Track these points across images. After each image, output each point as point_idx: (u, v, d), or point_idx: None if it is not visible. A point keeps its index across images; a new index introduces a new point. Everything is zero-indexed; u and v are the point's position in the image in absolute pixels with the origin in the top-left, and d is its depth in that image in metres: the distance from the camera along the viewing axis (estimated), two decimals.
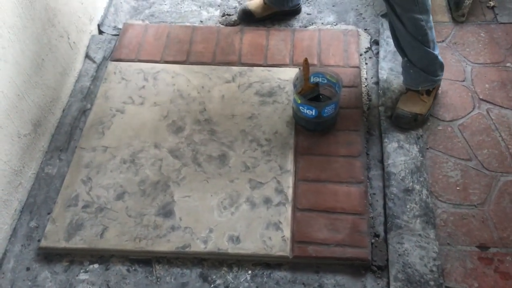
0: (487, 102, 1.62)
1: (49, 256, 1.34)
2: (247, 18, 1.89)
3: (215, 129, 1.57)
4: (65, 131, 1.61)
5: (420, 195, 1.40)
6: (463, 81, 1.68)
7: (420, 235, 1.33)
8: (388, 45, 1.76)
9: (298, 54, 1.77)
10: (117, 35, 1.89)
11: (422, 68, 1.49)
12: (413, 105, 1.53)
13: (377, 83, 1.70)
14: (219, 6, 2.00)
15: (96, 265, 1.33)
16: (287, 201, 1.39)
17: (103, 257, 1.34)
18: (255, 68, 1.74)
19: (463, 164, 1.48)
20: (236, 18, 1.93)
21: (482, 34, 1.82)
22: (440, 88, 1.63)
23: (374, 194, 1.44)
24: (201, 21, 1.95)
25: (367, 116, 1.62)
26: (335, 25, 1.91)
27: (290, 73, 1.70)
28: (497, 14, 1.88)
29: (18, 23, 1.38)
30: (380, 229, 1.37)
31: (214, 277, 1.30)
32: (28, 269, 1.32)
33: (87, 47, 1.84)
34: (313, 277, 1.29)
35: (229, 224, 1.35)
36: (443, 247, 1.33)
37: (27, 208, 1.44)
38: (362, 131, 1.55)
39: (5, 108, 1.33)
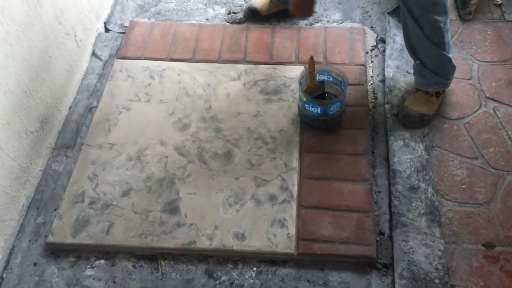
0: (494, 100, 1.62)
1: (56, 251, 1.36)
2: (253, 16, 1.89)
3: (221, 126, 1.57)
4: (72, 128, 1.62)
5: (425, 193, 1.40)
6: (470, 79, 1.67)
7: (425, 233, 1.33)
8: (394, 43, 1.76)
9: (304, 52, 1.77)
10: (123, 33, 1.90)
11: (435, 71, 1.48)
12: (421, 105, 1.53)
13: (383, 81, 1.70)
14: (225, 4, 2.01)
15: (102, 261, 1.34)
16: (292, 198, 1.40)
17: (109, 253, 1.35)
18: (260, 66, 1.74)
19: (469, 163, 1.48)
20: (241, 16, 1.93)
21: (489, 32, 1.81)
22: None
23: (380, 192, 1.44)
24: (207, 19, 1.96)
25: (373, 114, 1.62)
26: (341, 23, 1.91)
27: (295, 71, 1.70)
28: (505, 12, 1.87)
29: (26, 20, 1.39)
30: (385, 227, 1.37)
31: (219, 273, 1.30)
32: (35, 264, 1.34)
33: (94, 45, 1.85)
34: (318, 274, 1.29)
35: (234, 221, 1.36)
36: (449, 245, 1.32)
37: (34, 204, 1.45)
38: (368, 129, 1.55)
39: (12, 105, 1.34)
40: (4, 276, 1.33)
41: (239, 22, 1.92)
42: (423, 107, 1.53)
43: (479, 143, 1.52)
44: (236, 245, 1.31)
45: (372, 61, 1.77)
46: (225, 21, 1.94)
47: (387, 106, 1.60)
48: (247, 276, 1.29)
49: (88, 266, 1.33)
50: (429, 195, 1.40)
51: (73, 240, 1.34)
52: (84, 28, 1.77)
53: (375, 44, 1.82)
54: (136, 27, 1.90)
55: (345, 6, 1.97)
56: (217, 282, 1.29)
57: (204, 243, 1.32)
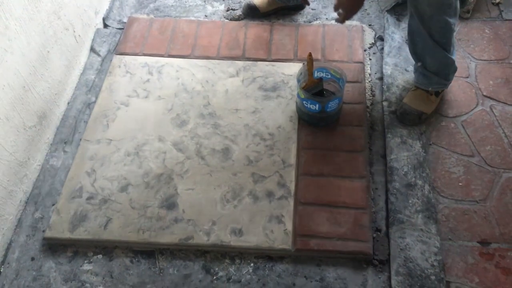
0: (491, 98, 1.62)
1: (53, 246, 1.36)
2: (252, 12, 1.89)
3: (219, 123, 1.58)
4: (70, 124, 1.62)
5: (422, 190, 1.41)
6: (467, 77, 1.68)
7: (421, 230, 1.33)
8: (393, 40, 1.76)
9: (302, 49, 1.78)
10: (122, 28, 1.90)
11: (436, 72, 1.49)
12: (420, 103, 1.53)
13: (381, 78, 1.70)
14: (223, 0, 2.01)
15: (100, 256, 1.34)
16: (289, 195, 1.40)
17: (107, 248, 1.35)
18: (259, 62, 1.75)
19: (465, 160, 1.49)
20: (240, 13, 1.93)
21: (486, 31, 1.81)
22: None
23: (377, 188, 1.45)
24: (206, 16, 1.96)
25: (371, 111, 1.62)
26: None
27: (294, 68, 1.71)
28: (502, 10, 1.88)
29: (24, 14, 1.39)
30: (382, 224, 1.38)
31: (216, 269, 1.31)
32: (33, 259, 1.34)
33: (92, 40, 1.85)
34: (315, 270, 1.30)
35: (232, 217, 1.36)
36: (445, 242, 1.33)
37: (32, 199, 1.45)
38: (365, 126, 1.56)
39: (11, 99, 1.34)
40: (1, 270, 1.33)
41: (238, 18, 1.92)
42: (422, 105, 1.54)
43: (476, 141, 1.52)
44: (233, 241, 1.32)
45: (370, 59, 1.78)
46: (224, 17, 1.94)
47: (385, 103, 1.61)
48: (244, 272, 1.30)
49: (85, 261, 1.33)
50: (426, 192, 1.40)
51: (70, 235, 1.34)
52: (83, 23, 1.77)
53: (373, 42, 1.83)
54: (134, 23, 1.90)
55: None
56: (214, 277, 1.29)
57: (201, 239, 1.32)
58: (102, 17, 1.93)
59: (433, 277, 1.26)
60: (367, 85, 1.69)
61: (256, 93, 1.65)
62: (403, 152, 1.49)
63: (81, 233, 1.35)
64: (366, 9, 1.95)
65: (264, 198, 1.40)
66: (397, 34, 1.79)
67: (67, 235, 1.34)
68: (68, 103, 1.67)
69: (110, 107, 1.62)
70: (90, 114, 1.62)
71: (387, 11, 1.88)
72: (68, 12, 1.64)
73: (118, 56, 1.78)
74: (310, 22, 1.90)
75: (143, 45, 1.81)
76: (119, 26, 1.92)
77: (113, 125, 1.58)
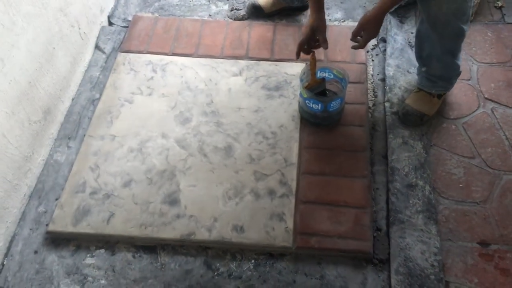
0: (492, 101, 1.63)
1: (56, 240, 1.37)
2: (256, 12, 1.90)
3: (222, 121, 1.59)
4: (74, 120, 1.64)
5: (423, 191, 1.42)
6: (469, 80, 1.69)
7: (422, 230, 1.34)
8: (395, 42, 1.77)
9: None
10: (127, 27, 1.92)
11: (441, 77, 1.51)
12: (422, 105, 1.55)
13: (383, 79, 1.72)
14: (228, 0, 2.02)
15: (102, 250, 1.35)
16: (291, 193, 1.41)
17: (109, 243, 1.36)
18: (262, 62, 1.76)
19: (466, 162, 1.50)
20: (244, 13, 1.94)
21: (489, 34, 1.83)
22: None
23: (378, 188, 1.46)
24: (210, 15, 1.97)
25: (373, 112, 1.63)
26: (342, 21, 1.93)
27: (296, 68, 1.72)
28: (505, 14, 1.89)
29: (31, 11, 1.40)
30: (382, 223, 1.39)
31: (217, 265, 1.32)
32: (36, 252, 1.35)
33: (97, 37, 1.86)
34: (315, 268, 1.31)
35: (234, 214, 1.37)
36: (445, 242, 1.34)
37: (36, 193, 1.46)
38: (367, 126, 1.57)
39: (17, 94, 1.36)
40: (4, 263, 1.34)
41: (241, 18, 1.94)
42: (424, 106, 1.55)
43: (477, 143, 1.53)
44: (234, 238, 1.33)
45: (372, 60, 1.79)
46: (228, 17, 1.96)
47: (387, 104, 1.62)
48: (245, 268, 1.31)
49: (88, 255, 1.34)
50: (427, 193, 1.41)
51: (73, 229, 1.36)
52: (88, 21, 1.78)
53: (376, 43, 1.84)
54: (139, 21, 1.91)
55: (347, 5, 1.99)
56: (216, 273, 1.30)
57: (203, 235, 1.34)
58: (107, 15, 1.94)
59: (432, 277, 1.26)
60: (369, 86, 1.70)
61: (259, 92, 1.67)
62: (404, 152, 1.50)
63: (84, 228, 1.36)
64: (369, 11, 1.96)
65: (265, 196, 1.41)
66: (399, 36, 1.80)
67: (70, 229, 1.36)
68: (73, 99, 1.69)
69: (114, 104, 1.63)
70: (94, 111, 1.63)
71: (390, 13, 1.90)
72: (74, 9, 1.66)
73: (122, 53, 1.79)
74: None
75: (147, 43, 1.83)
76: (124, 24, 1.94)
77: (117, 121, 1.59)
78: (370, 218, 1.37)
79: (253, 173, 1.46)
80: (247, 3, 1.95)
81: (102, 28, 1.89)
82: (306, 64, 1.52)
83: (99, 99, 1.67)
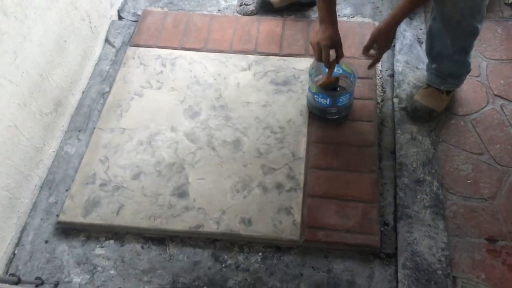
0: (502, 98, 1.63)
1: (66, 230, 1.39)
2: (265, 7, 1.91)
3: (230, 115, 1.60)
4: (84, 112, 1.65)
5: (431, 186, 1.42)
6: (478, 76, 1.69)
7: (429, 225, 1.35)
8: (404, 38, 1.77)
9: None
10: (136, 21, 1.93)
11: (451, 74, 1.51)
12: (431, 101, 1.54)
13: (391, 75, 1.71)
14: None
15: (111, 241, 1.37)
16: (298, 187, 1.42)
17: (119, 234, 1.38)
18: (271, 57, 1.76)
19: (474, 158, 1.50)
20: (253, 8, 1.95)
21: (499, 31, 1.82)
22: None
23: (385, 183, 1.46)
24: (219, 10, 1.98)
25: (381, 107, 1.64)
26: (351, 17, 1.93)
27: (305, 63, 1.72)
28: None
29: (43, 4, 1.42)
30: (390, 218, 1.39)
31: (225, 257, 1.33)
32: (46, 242, 1.37)
33: (107, 31, 1.88)
34: (323, 262, 1.32)
35: (242, 207, 1.38)
36: (452, 238, 1.34)
37: (47, 184, 1.48)
38: (376, 122, 1.57)
39: (29, 86, 1.38)
40: (16, 252, 1.36)
41: (250, 13, 1.94)
42: (433, 102, 1.55)
43: (485, 139, 1.53)
44: (242, 230, 1.34)
45: None
46: (237, 12, 1.96)
47: (395, 100, 1.62)
48: (253, 261, 1.32)
49: (97, 246, 1.36)
50: (434, 189, 1.42)
51: (83, 220, 1.37)
52: (99, 14, 1.80)
53: None
54: (149, 16, 1.92)
55: (356, 1, 1.99)
56: (223, 265, 1.32)
57: (211, 227, 1.35)
58: (117, 9, 1.96)
59: (439, 272, 1.27)
60: (378, 81, 1.70)
61: (267, 87, 1.67)
62: (413, 148, 1.50)
63: (93, 218, 1.37)
64: (378, 7, 1.96)
65: (273, 189, 1.42)
66: (408, 32, 1.80)
67: (80, 219, 1.37)
68: (83, 92, 1.70)
69: (124, 97, 1.65)
70: (104, 104, 1.65)
71: None
72: (84, 3, 1.67)
73: (132, 47, 1.81)
74: None
75: (157, 38, 1.84)
76: (134, 19, 1.95)
77: (126, 114, 1.60)
78: (378, 212, 1.37)
79: (261, 167, 1.47)
80: None
81: (112, 22, 1.91)
82: (315, 59, 1.51)
83: (109, 92, 1.68)
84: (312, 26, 1.86)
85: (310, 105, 1.58)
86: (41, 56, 1.43)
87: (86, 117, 1.64)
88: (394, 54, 1.76)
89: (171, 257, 1.33)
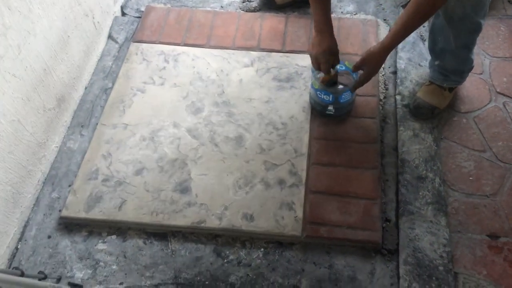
0: (504, 95, 1.63)
1: (69, 225, 1.39)
2: (268, 3, 1.91)
3: (233, 111, 1.60)
4: (87, 108, 1.66)
5: (433, 183, 1.42)
6: (481, 74, 1.69)
7: (431, 221, 1.35)
8: None
9: None
10: (140, 17, 1.93)
11: (454, 71, 1.50)
12: (433, 98, 1.54)
13: (394, 72, 1.71)
14: None
15: (114, 237, 1.37)
16: (300, 183, 1.42)
17: (121, 229, 1.38)
18: (273, 53, 1.77)
19: (477, 155, 1.50)
20: (256, 5, 1.95)
21: (502, 28, 1.82)
22: None
23: (387, 180, 1.46)
24: (222, 7, 1.98)
25: (383, 104, 1.64)
26: (354, 14, 1.92)
27: (308, 60, 1.69)
28: None
29: None
30: (392, 214, 1.39)
31: (227, 252, 1.33)
32: (49, 237, 1.38)
33: (110, 27, 1.88)
34: (324, 257, 1.32)
35: (244, 202, 1.39)
36: (454, 234, 1.35)
37: (50, 179, 1.49)
38: (378, 118, 1.57)
39: (32, 81, 1.38)
40: (18, 247, 1.37)
41: (253, 10, 1.94)
42: (435, 99, 1.55)
43: (488, 137, 1.53)
44: (244, 226, 1.34)
45: None
46: (240, 9, 1.96)
47: (398, 97, 1.62)
48: (255, 256, 1.33)
49: (100, 241, 1.37)
50: (436, 185, 1.42)
51: (86, 215, 1.38)
52: (102, 10, 1.80)
53: None
54: (152, 12, 1.93)
55: None
56: (225, 260, 1.32)
57: (213, 223, 1.35)
58: (120, 5, 1.96)
59: (441, 268, 1.27)
60: (381, 78, 1.70)
61: (270, 83, 1.67)
62: (415, 145, 1.50)
63: (96, 214, 1.38)
64: (381, 4, 1.96)
65: (275, 185, 1.42)
66: None
67: (82, 215, 1.38)
68: (86, 87, 1.71)
69: (127, 93, 1.65)
70: (106, 99, 1.65)
71: (402, 6, 1.89)
72: None
73: (135, 43, 1.81)
74: None
75: (159, 34, 1.84)
76: (137, 15, 1.95)
77: (129, 110, 1.61)
78: (380, 209, 1.37)
79: (263, 163, 1.47)
80: None
81: (116, 18, 1.91)
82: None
83: (111, 88, 1.69)
84: None
85: (313, 102, 1.58)
86: (45, 51, 1.44)
87: (89, 113, 1.64)
88: (397, 51, 1.75)
89: (173, 253, 1.34)
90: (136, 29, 1.88)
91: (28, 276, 1.18)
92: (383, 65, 1.73)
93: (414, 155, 1.47)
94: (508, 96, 1.62)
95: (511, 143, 1.51)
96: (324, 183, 1.43)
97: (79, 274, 1.31)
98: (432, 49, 1.51)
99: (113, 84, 1.70)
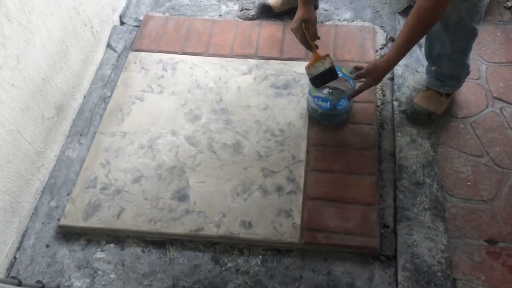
0: (501, 100, 1.63)
1: (67, 234, 1.40)
2: (266, 11, 1.92)
3: (231, 118, 1.61)
4: (86, 117, 1.67)
5: (430, 188, 1.42)
6: (478, 79, 1.69)
7: (429, 227, 1.35)
8: None
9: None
10: (138, 26, 1.95)
11: (450, 76, 1.52)
12: (430, 103, 1.55)
13: (391, 79, 1.72)
14: (237, 0, 2.04)
15: (112, 245, 1.37)
16: (298, 189, 1.43)
17: (119, 237, 1.39)
18: (271, 61, 1.78)
19: (474, 160, 1.50)
20: (254, 13, 1.96)
21: (498, 34, 1.83)
22: None
23: (385, 186, 1.46)
24: (220, 15, 2.00)
25: (381, 110, 1.64)
26: (351, 21, 1.94)
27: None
28: None
29: (46, 9, 1.44)
30: (390, 220, 1.39)
31: (225, 260, 1.33)
32: (47, 246, 1.38)
33: (109, 37, 1.89)
34: (322, 264, 1.32)
35: (242, 209, 1.39)
36: (452, 240, 1.34)
37: (48, 188, 1.49)
38: (375, 124, 1.58)
39: (31, 90, 1.39)
40: (17, 256, 1.37)
41: (251, 18, 1.96)
42: (432, 105, 1.55)
43: (485, 142, 1.53)
44: (242, 233, 1.35)
45: None
46: (238, 17, 1.98)
47: (395, 103, 1.63)
48: (253, 264, 1.33)
49: (98, 249, 1.37)
50: (434, 191, 1.42)
51: (84, 224, 1.38)
52: (101, 20, 1.81)
53: (384, 43, 1.85)
54: (150, 21, 1.94)
55: (356, 6, 2.00)
56: (223, 268, 1.32)
57: (211, 230, 1.35)
58: (119, 15, 1.98)
59: (439, 274, 1.27)
60: (378, 85, 1.70)
61: (267, 91, 1.68)
62: (412, 151, 1.50)
63: (94, 222, 1.38)
64: (378, 11, 1.98)
65: (273, 192, 1.42)
66: None
67: (81, 223, 1.38)
68: (85, 96, 1.72)
69: (125, 102, 1.66)
70: (105, 108, 1.66)
71: (399, 13, 1.91)
72: (87, 8, 1.69)
73: (133, 52, 1.82)
74: (322, 22, 1.93)
75: (158, 42, 1.86)
76: (135, 24, 1.97)
77: (127, 118, 1.62)
78: (378, 215, 1.38)
79: (261, 170, 1.47)
80: (257, 3, 1.97)
81: (114, 27, 1.93)
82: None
83: (110, 96, 1.70)
84: None
85: (310, 109, 1.59)
86: (44, 61, 1.45)
87: (88, 121, 1.65)
88: None
89: (172, 261, 1.34)
90: (134, 38, 1.89)
91: (26, 286, 1.18)
92: None
93: (411, 160, 1.48)
94: (505, 101, 1.63)
95: (508, 148, 1.51)
96: (322, 189, 1.43)
97: (77, 283, 1.31)
98: (428, 55, 1.52)
99: (111, 92, 1.71)
